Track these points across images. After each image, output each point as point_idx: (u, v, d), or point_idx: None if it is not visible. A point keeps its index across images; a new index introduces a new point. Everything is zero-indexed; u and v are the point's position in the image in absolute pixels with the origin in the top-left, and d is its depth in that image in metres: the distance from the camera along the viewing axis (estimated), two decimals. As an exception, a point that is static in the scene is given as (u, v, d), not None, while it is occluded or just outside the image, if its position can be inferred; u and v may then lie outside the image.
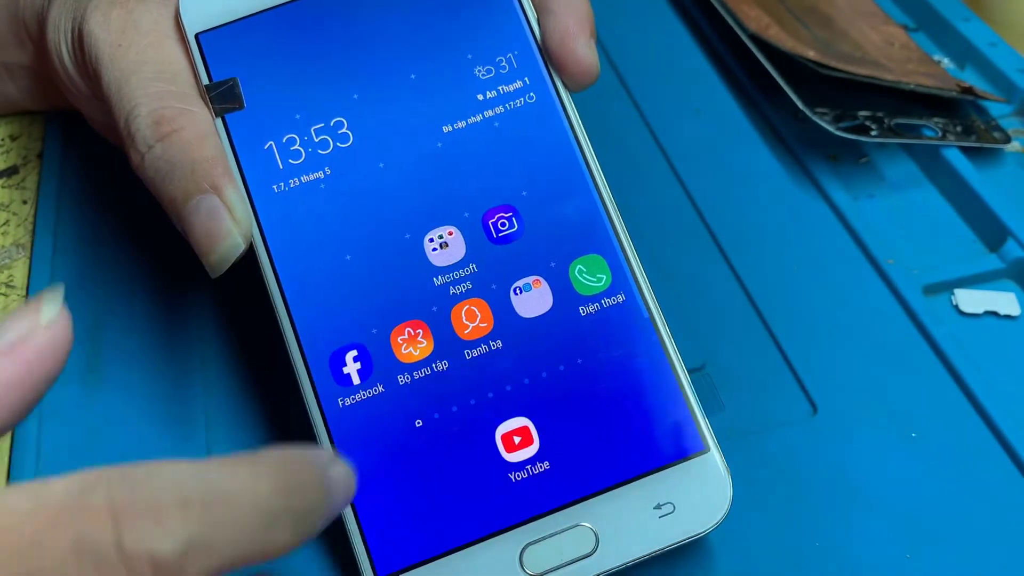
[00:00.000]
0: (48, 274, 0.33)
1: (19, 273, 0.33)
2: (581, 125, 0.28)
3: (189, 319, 0.32)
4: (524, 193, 0.27)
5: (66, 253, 0.33)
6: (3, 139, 0.38)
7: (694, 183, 0.37)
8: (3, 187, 0.36)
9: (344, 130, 0.27)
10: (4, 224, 0.35)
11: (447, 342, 0.26)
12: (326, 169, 0.27)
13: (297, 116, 0.27)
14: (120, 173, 0.36)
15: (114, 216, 0.35)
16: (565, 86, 0.28)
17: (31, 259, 0.33)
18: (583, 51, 0.27)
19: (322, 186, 0.27)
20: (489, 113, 0.28)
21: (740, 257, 0.34)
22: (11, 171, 0.37)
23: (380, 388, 0.25)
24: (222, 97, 0.27)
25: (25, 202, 0.36)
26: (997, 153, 0.39)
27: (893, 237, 0.35)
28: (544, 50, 0.28)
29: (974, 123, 0.40)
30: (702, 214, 0.36)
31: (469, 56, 0.28)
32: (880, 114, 0.38)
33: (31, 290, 0.32)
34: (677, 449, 0.25)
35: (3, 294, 0.33)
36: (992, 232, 0.35)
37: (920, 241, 0.35)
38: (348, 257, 0.26)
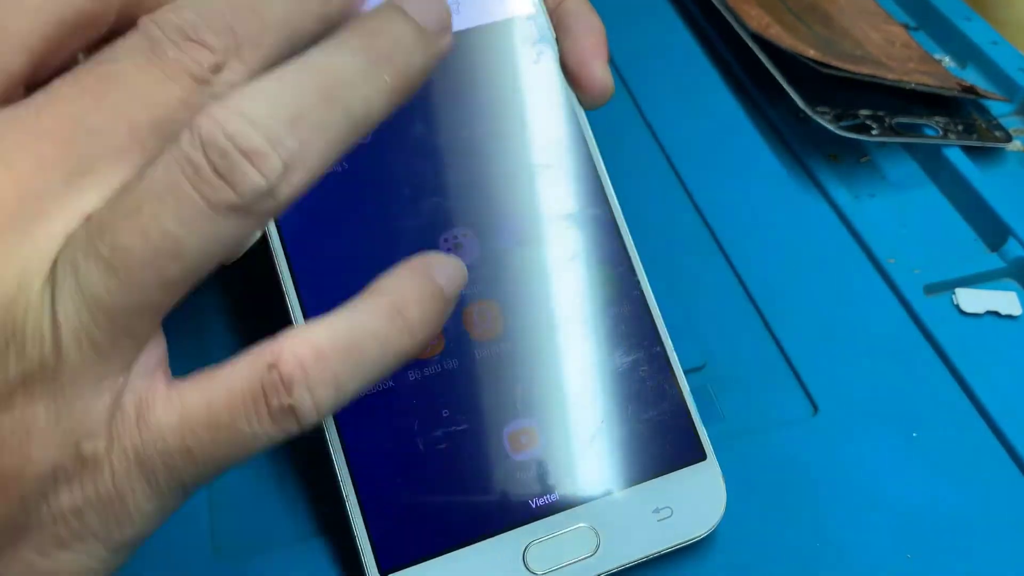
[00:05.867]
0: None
1: (19, 273, 0.33)
2: (593, 138, 0.28)
3: (191, 317, 0.32)
4: (539, 202, 0.27)
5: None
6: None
7: (694, 182, 0.37)
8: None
9: None
10: (4, 224, 0.35)
11: (458, 341, 0.26)
12: (343, 163, 0.27)
13: None
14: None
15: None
16: (580, 103, 0.29)
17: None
18: (600, 72, 0.28)
19: (339, 179, 0.27)
20: (507, 122, 0.28)
21: (741, 256, 0.34)
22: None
23: (390, 383, 0.25)
24: None
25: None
26: (998, 152, 0.39)
27: (894, 236, 0.35)
28: (562, 68, 0.29)
29: (975, 122, 0.40)
30: (702, 213, 0.36)
31: (490, 64, 0.28)
32: (881, 113, 0.38)
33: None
34: (677, 457, 0.26)
35: (3, 294, 0.32)
36: (993, 231, 0.35)
37: (921, 240, 0.35)
38: (362, 251, 0.26)
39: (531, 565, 0.24)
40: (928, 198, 0.38)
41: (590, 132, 0.29)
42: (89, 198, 0.17)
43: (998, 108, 0.41)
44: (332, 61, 0.18)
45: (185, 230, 0.17)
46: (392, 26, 0.19)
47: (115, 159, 0.17)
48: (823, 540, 0.27)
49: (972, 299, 0.33)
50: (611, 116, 0.36)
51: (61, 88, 0.18)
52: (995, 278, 0.34)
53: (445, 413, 0.25)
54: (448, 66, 0.28)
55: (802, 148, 0.39)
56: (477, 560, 0.24)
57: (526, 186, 0.28)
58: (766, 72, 0.38)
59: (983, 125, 0.40)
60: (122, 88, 0.18)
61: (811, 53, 0.38)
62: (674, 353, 0.27)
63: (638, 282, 0.27)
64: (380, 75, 0.19)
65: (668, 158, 0.38)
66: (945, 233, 0.36)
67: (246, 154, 0.17)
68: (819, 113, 0.37)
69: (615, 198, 0.28)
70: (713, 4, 0.43)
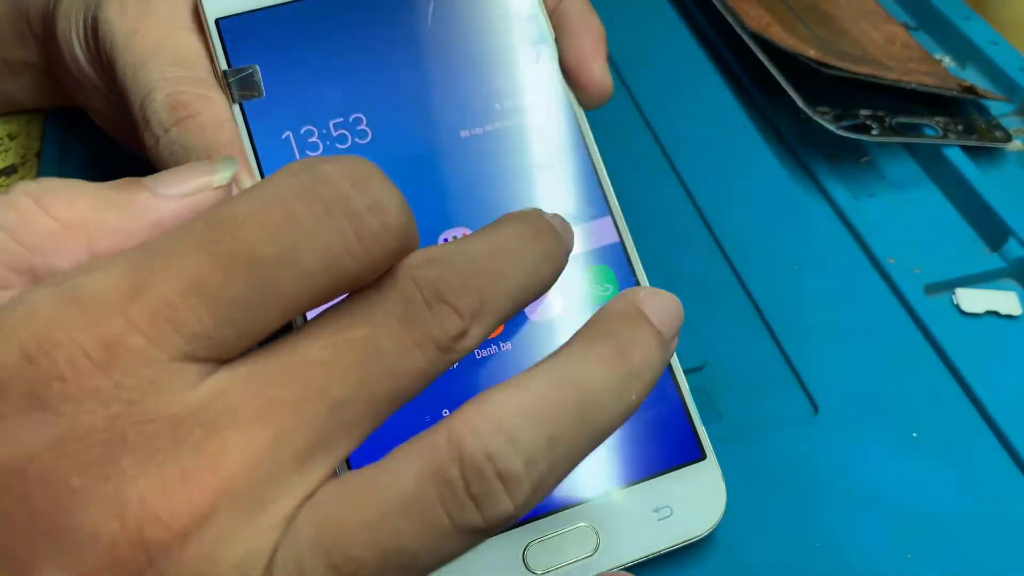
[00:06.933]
0: (47, 273, 0.32)
1: (18, 272, 0.33)
2: (592, 138, 0.28)
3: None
4: (539, 202, 0.27)
5: (65, 252, 0.33)
6: (1, 138, 0.38)
7: (694, 182, 0.37)
8: (2, 186, 0.36)
9: (363, 126, 0.27)
10: (3, 223, 0.35)
11: None
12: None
13: (316, 108, 0.27)
14: (119, 172, 0.36)
15: (113, 215, 0.35)
16: (580, 103, 0.29)
17: (30, 258, 0.33)
18: (599, 72, 0.29)
19: None
20: (507, 122, 0.28)
21: (741, 256, 0.34)
22: (9, 170, 0.37)
23: None
24: (241, 84, 0.27)
25: (24, 201, 0.35)
26: (998, 152, 0.39)
27: (894, 236, 0.35)
28: (562, 68, 0.29)
29: (975, 122, 0.40)
30: (703, 213, 0.36)
31: (491, 64, 0.28)
32: (881, 113, 0.38)
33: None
34: (677, 456, 0.26)
35: (2, 293, 0.32)
36: (993, 231, 0.35)
37: (921, 240, 0.35)
38: None
39: (531, 564, 0.24)
40: (928, 198, 0.38)
41: (590, 132, 0.29)
42: (315, 476, 0.17)
43: (998, 108, 0.41)
44: (589, 376, 0.18)
45: (422, 547, 0.16)
46: (641, 338, 0.19)
47: (347, 432, 0.17)
48: (823, 540, 0.27)
49: (972, 299, 0.33)
50: (611, 116, 0.36)
51: (311, 350, 0.17)
52: (995, 278, 0.34)
53: (445, 412, 0.25)
54: (460, 69, 0.28)
55: (802, 148, 0.39)
56: (476, 559, 0.24)
57: (526, 186, 0.28)
58: (766, 72, 0.38)
59: (983, 125, 0.40)
60: (373, 358, 0.17)
61: (811, 53, 0.38)
62: (674, 358, 0.27)
63: (638, 281, 0.27)
64: (629, 394, 0.19)
65: (668, 158, 0.38)
66: (945, 233, 0.36)
67: (503, 478, 0.16)
68: (819, 113, 0.37)
69: (615, 198, 0.28)
70: (713, 4, 0.43)
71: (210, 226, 0.16)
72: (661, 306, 0.20)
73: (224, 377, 0.16)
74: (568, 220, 0.27)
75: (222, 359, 0.16)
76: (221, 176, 0.20)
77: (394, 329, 0.17)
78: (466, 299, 0.18)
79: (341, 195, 0.17)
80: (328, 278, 0.17)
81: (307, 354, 0.17)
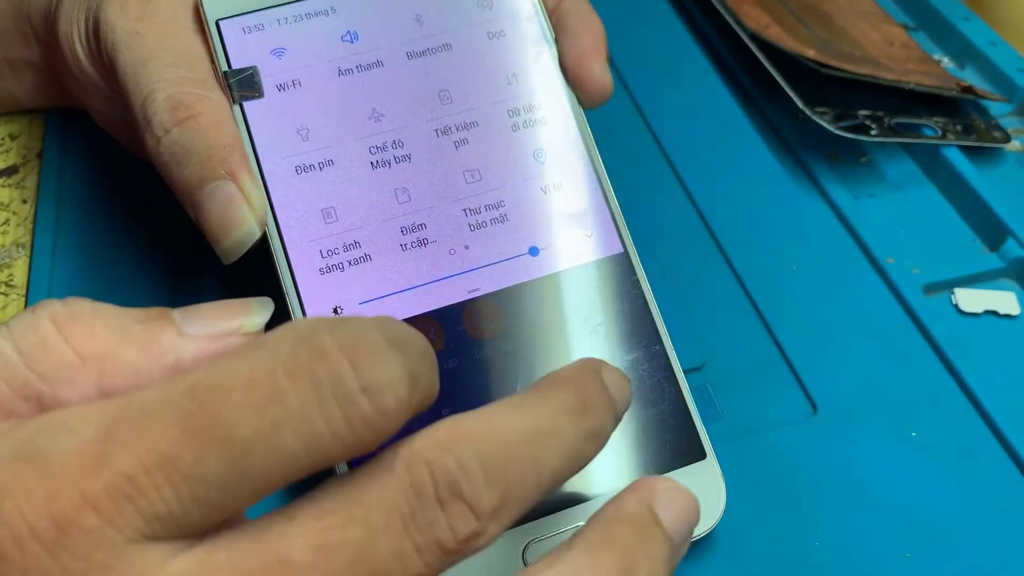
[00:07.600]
0: (48, 273, 0.33)
1: (19, 272, 0.33)
2: (592, 138, 0.29)
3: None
4: (541, 203, 0.27)
5: (66, 252, 0.33)
6: (3, 138, 0.38)
7: (694, 182, 0.37)
8: (3, 186, 0.36)
9: (363, 126, 0.27)
10: (4, 223, 0.35)
11: (458, 341, 0.26)
12: (344, 161, 0.27)
13: (316, 108, 0.27)
14: (120, 172, 0.36)
15: (114, 215, 0.35)
16: (580, 102, 0.29)
17: (31, 258, 0.33)
18: (599, 72, 0.29)
19: (338, 178, 0.27)
20: (510, 123, 0.28)
21: (740, 256, 0.34)
22: (11, 170, 0.37)
23: None
24: (241, 84, 0.27)
25: (25, 201, 0.36)
26: (997, 152, 0.39)
27: (893, 236, 0.35)
28: (562, 68, 0.29)
29: (974, 122, 0.40)
30: (702, 213, 0.36)
31: (490, 64, 0.28)
32: (880, 113, 0.39)
33: (31, 289, 0.32)
34: (677, 456, 0.26)
35: (3, 293, 0.33)
36: (992, 231, 0.36)
37: (920, 240, 0.35)
38: (361, 250, 0.26)
39: (531, 564, 0.24)
40: (927, 198, 0.38)
41: (590, 132, 0.29)
42: None
43: (997, 108, 0.41)
44: None
45: None
46: (651, 551, 0.18)
47: None
48: (822, 539, 0.27)
49: (971, 299, 0.33)
50: (611, 116, 0.36)
51: (294, 545, 0.16)
52: (994, 278, 0.34)
53: (445, 413, 0.25)
54: (461, 68, 0.28)
55: (801, 148, 0.39)
56: (476, 558, 0.24)
57: (536, 196, 0.28)
58: (765, 72, 0.38)
59: (982, 125, 0.40)
60: (363, 562, 0.16)
61: (810, 53, 0.38)
62: (674, 352, 0.27)
63: (638, 281, 0.27)
64: None
65: (668, 158, 0.38)
66: (944, 233, 0.36)
67: None
68: (818, 113, 0.37)
69: (615, 198, 0.28)
70: (712, 4, 0.43)
71: (190, 394, 0.15)
72: (677, 506, 0.19)
73: (187, 565, 0.15)
74: (568, 219, 0.28)
75: (187, 537, 0.16)
76: (253, 322, 0.19)
77: (394, 529, 0.16)
78: (487, 495, 0.16)
79: (334, 374, 0.16)
80: (309, 460, 0.16)
81: (289, 550, 0.16)
